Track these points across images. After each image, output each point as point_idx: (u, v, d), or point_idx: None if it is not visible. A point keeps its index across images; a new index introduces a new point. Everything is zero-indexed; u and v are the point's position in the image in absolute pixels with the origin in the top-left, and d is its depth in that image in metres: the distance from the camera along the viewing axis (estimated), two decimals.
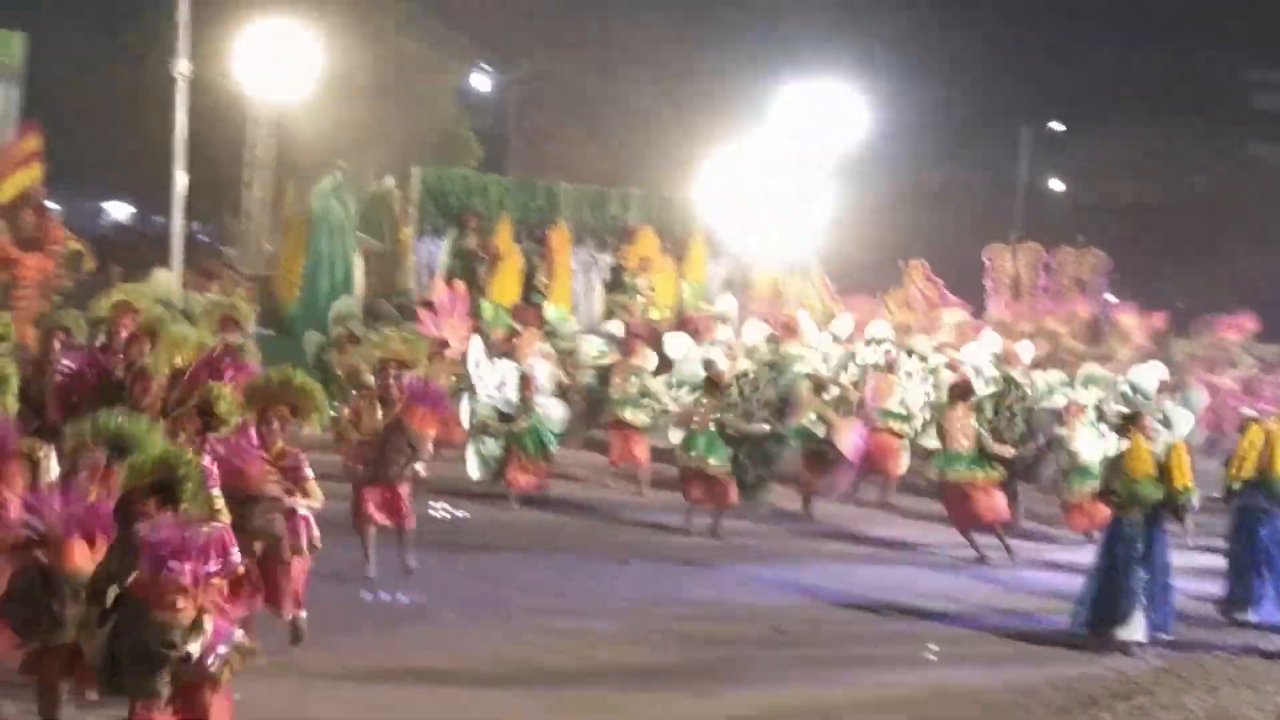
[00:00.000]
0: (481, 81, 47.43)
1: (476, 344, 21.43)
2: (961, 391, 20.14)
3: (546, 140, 46.35)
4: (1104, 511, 16.32)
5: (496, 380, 20.66)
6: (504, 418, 20.54)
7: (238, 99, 30.85)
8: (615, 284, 31.79)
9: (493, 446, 20.46)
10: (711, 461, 19.50)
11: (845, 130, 35.25)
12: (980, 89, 52.32)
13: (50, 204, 27.96)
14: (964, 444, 19.49)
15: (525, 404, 20.53)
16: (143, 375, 13.44)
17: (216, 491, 10.73)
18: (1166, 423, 19.92)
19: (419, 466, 15.97)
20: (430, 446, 15.39)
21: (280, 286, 29.11)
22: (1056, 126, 57.96)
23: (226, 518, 10.32)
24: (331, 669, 12.34)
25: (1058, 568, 18.52)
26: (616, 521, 20.15)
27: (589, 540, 18.91)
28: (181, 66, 26.92)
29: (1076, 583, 15.83)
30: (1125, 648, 14.90)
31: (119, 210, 42.18)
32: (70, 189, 31.19)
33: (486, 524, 19.19)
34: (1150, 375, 22.09)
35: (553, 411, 21.16)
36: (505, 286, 29.99)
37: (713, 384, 20.05)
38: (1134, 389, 21.40)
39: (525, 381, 20.64)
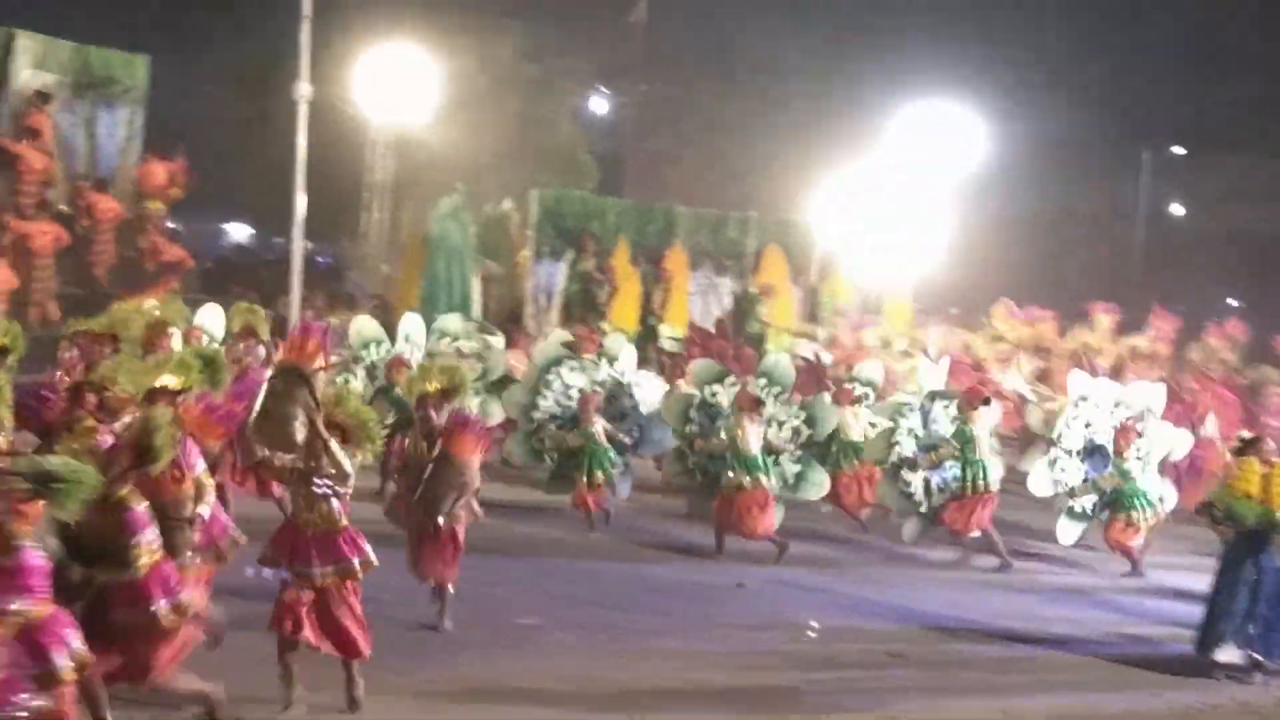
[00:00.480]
0: (599, 104, 47.49)
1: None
2: None
3: (664, 163, 46.35)
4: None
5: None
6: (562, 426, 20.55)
7: (358, 122, 31.07)
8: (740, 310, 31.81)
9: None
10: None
11: (964, 152, 34.94)
12: (1100, 112, 51.65)
13: (171, 224, 28.46)
14: None
15: (582, 423, 20.21)
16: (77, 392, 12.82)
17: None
18: None
19: (475, 506, 14.82)
20: (477, 474, 14.55)
21: (398, 309, 29.23)
22: (1178, 150, 57.02)
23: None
24: (451, 688, 12.32)
25: (1180, 595, 18.19)
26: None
27: (696, 561, 18.76)
28: (303, 90, 27.15)
29: (1199, 610, 15.54)
30: (1229, 671, 14.63)
31: (239, 232, 42.59)
32: (191, 211, 31.48)
33: (580, 544, 19.12)
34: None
35: (656, 434, 21.04)
36: (624, 310, 30.03)
37: None
38: None
39: (584, 401, 20.38)
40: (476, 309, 28.89)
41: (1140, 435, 19.99)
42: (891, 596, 17.48)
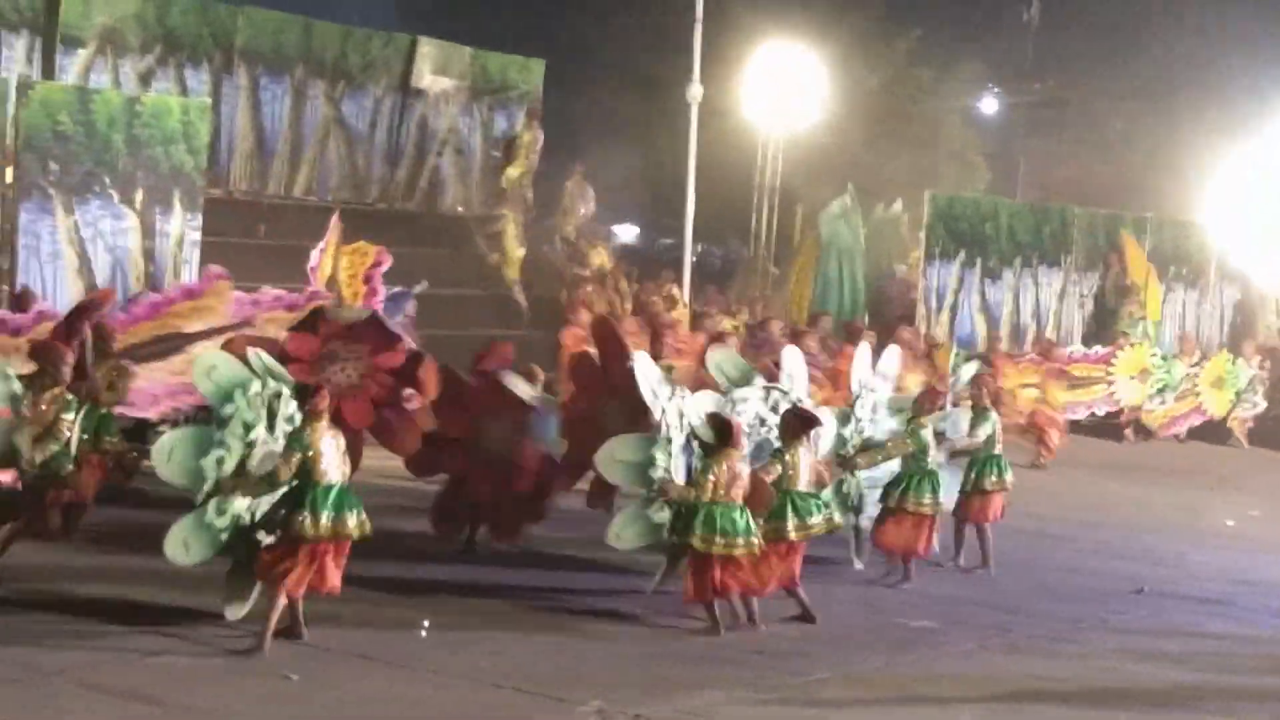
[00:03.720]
0: (990, 105, 46.68)
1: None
2: None
3: (1056, 163, 45.29)
4: None
5: None
6: None
7: (747, 124, 30.97)
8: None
9: None
10: None
11: None
12: None
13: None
14: None
15: None
16: None
17: None
18: None
19: None
20: None
21: (791, 311, 28.99)
22: None
23: None
24: (848, 696, 12.01)
25: None
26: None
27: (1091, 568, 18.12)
28: (695, 91, 27.18)
29: None
30: None
31: (626, 233, 42.98)
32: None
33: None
34: None
35: None
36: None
37: None
38: None
39: None
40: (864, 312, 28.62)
41: None
42: None
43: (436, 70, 27.36)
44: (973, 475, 16.72)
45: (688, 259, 27.73)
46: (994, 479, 16.73)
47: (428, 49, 27.40)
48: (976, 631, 14.40)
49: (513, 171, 27.26)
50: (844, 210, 29.67)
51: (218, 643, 11.43)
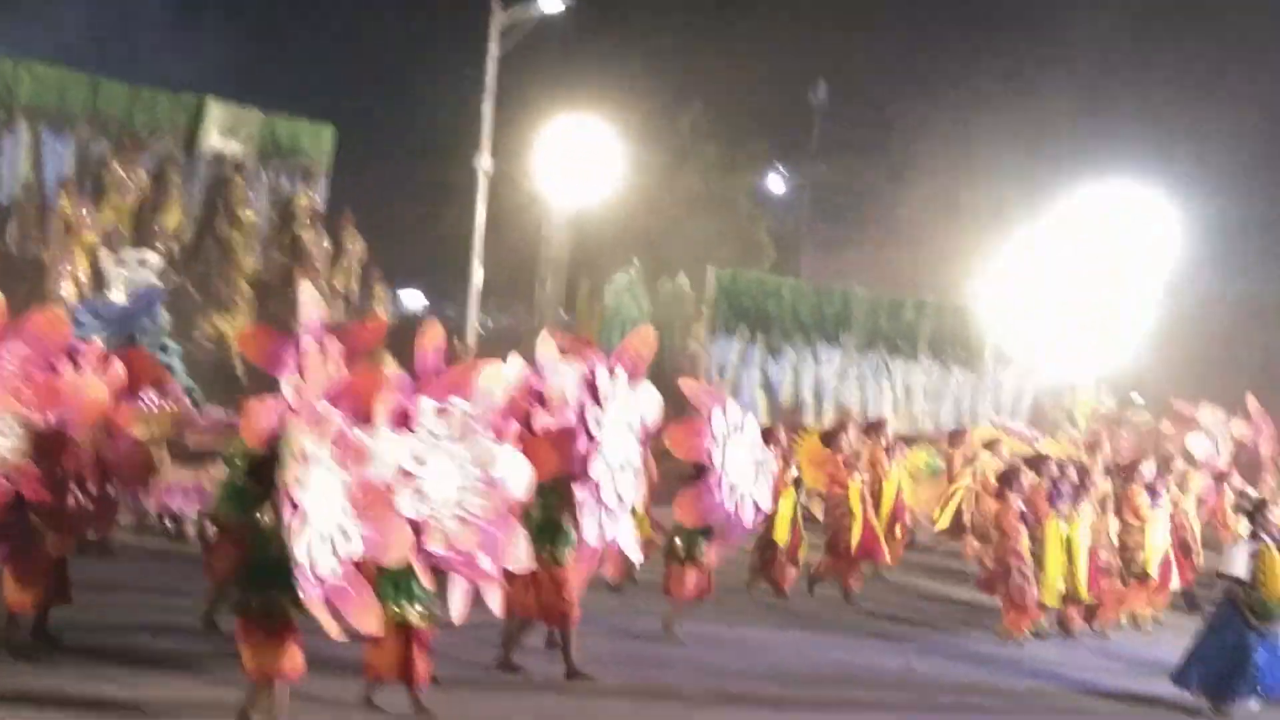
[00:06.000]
0: (776, 184, 47.35)
1: None
2: None
3: (840, 245, 46.07)
4: None
5: None
6: None
7: (535, 196, 31.18)
8: None
9: None
10: None
11: (1146, 237, 34.10)
12: None
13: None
14: None
15: None
16: None
17: None
18: None
19: None
20: None
21: None
22: None
23: None
24: None
25: None
26: None
27: None
28: (484, 162, 27.31)
29: None
30: None
31: (412, 299, 42.85)
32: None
33: None
34: None
35: None
36: None
37: None
38: None
39: None
40: None
41: None
42: None
43: (224, 132, 27.15)
44: None
45: (472, 324, 27.76)
46: None
47: (216, 110, 27.18)
48: None
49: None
50: (629, 282, 29.93)
51: None
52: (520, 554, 11.64)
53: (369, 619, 10.35)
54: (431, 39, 37.99)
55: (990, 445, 22.24)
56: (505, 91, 28.92)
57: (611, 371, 12.92)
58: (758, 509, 14.81)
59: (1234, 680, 14.33)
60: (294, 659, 10.45)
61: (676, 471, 15.25)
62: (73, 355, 12.22)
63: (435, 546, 11.16)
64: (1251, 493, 20.75)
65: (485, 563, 11.36)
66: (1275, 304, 44.65)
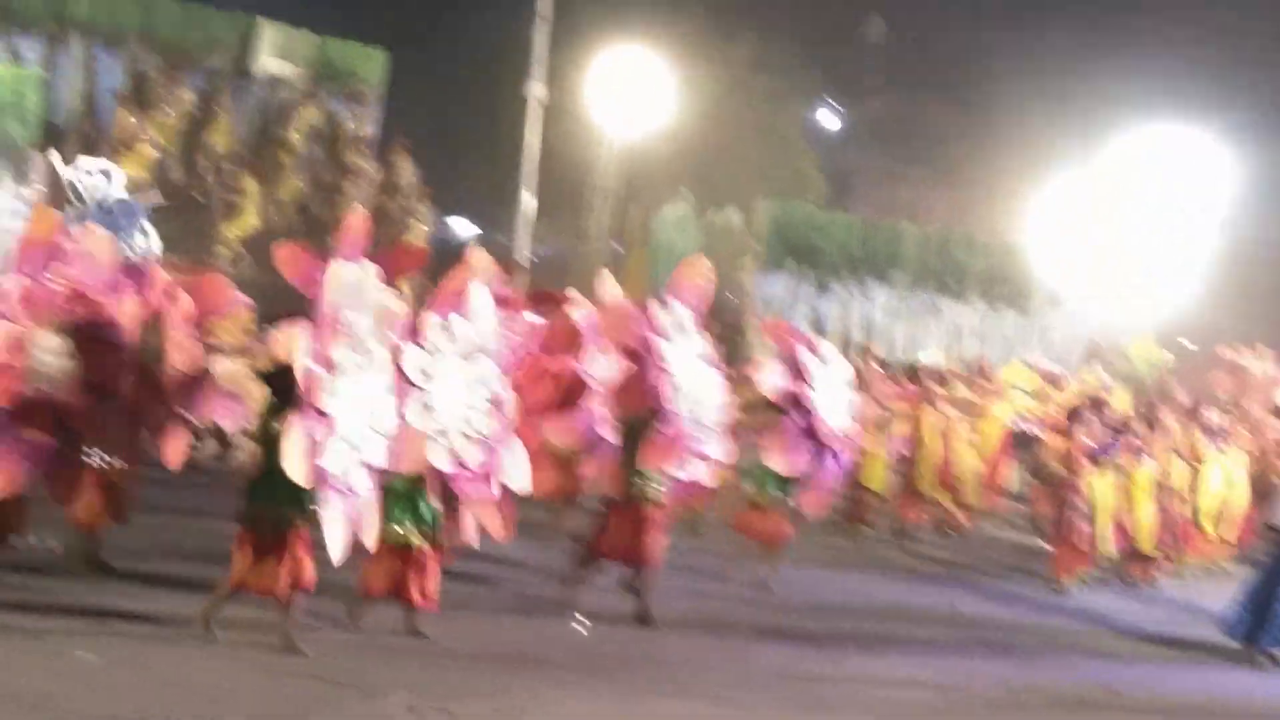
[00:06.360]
0: (830, 118, 47.10)
1: None
2: None
3: (892, 180, 45.83)
4: None
5: None
6: None
7: (587, 125, 31.05)
8: None
9: None
10: None
11: (1203, 182, 33.75)
12: None
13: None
14: None
15: None
16: None
17: None
18: None
19: None
20: None
21: None
22: None
23: None
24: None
25: None
26: None
27: None
28: (536, 90, 27.17)
29: None
30: None
31: (462, 228, 42.81)
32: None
33: None
34: None
35: None
36: None
37: None
38: None
39: None
40: None
41: None
42: None
43: (277, 54, 27.10)
44: None
45: (522, 252, 27.67)
46: None
47: (268, 32, 27.13)
48: None
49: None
50: (679, 216, 29.84)
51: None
52: (523, 476, 11.68)
53: (371, 535, 10.61)
54: None
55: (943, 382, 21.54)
56: (559, 19, 28.74)
57: (665, 305, 12.88)
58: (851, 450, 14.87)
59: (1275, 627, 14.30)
60: (307, 571, 10.60)
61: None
62: (137, 280, 12.17)
63: (442, 463, 11.21)
64: None
65: (489, 483, 11.45)
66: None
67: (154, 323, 12.08)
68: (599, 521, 12.87)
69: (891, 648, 13.41)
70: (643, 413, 12.65)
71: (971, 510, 20.36)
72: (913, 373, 21.72)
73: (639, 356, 12.73)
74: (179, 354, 12.15)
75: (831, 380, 14.39)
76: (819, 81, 43.40)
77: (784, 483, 14.57)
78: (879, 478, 19.09)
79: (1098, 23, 44.27)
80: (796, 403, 14.15)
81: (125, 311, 11.82)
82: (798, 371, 14.20)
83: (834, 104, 47.04)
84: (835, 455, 14.42)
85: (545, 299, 13.66)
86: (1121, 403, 21.43)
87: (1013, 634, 14.66)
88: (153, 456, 12.30)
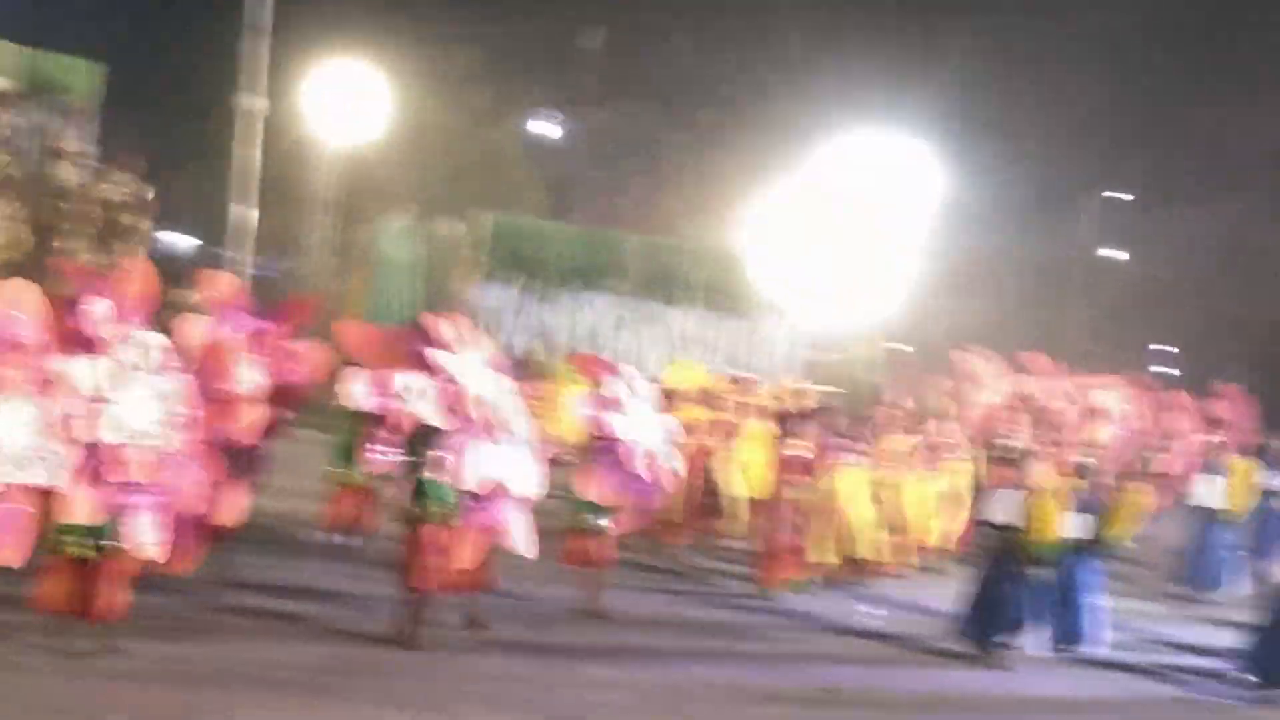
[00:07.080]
0: (550, 129, 47.27)
1: None
2: None
3: (612, 190, 46.15)
4: None
5: None
6: None
7: (309, 139, 30.86)
8: None
9: None
10: None
11: (912, 190, 34.60)
12: (1043, 155, 50.84)
13: None
14: None
15: None
16: None
17: None
18: None
19: None
20: None
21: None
22: (1123, 196, 56.10)
23: None
24: None
25: None
26: None
27: None
28: (253, 102, 26.95)
29: None
30: None
31: (183, 243, 42.24)
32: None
33: None
34: None
35: None
36: None
37: None
38: None
39: None
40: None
41: None
42: None
43: None
44: None
45: (238, 268, 27.38)
46: None
47: None
48: None
49: None
50: (402, 228, 29.76)
51: None
52: (202, 493, 11.75)
53: (11, 553, 10.71)
54: None
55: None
56: (282, 31, 28.53)
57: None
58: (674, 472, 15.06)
59: (1002, 621, 14.85)
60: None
61: None
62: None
63: (125, 476, 11.19)
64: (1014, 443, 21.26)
65: (173, 498, 11.44)
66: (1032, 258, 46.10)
67: None
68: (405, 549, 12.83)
69: (623, 655, 13.63)
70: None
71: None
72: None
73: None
74: None
75: (640, 406, 14.64)
76: (538, 92, 43.58)
77: (600, 509, 14.69)
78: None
79: (812, 34, 45.12)
80: (606, 432, 14.43)
81: None
82: (605, 402, 14.47)
83: (553, 114, 47.20)
84: (647, 479, 14.68)
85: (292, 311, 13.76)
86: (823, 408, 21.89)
87: (736, 639, 14.97)
88: None
